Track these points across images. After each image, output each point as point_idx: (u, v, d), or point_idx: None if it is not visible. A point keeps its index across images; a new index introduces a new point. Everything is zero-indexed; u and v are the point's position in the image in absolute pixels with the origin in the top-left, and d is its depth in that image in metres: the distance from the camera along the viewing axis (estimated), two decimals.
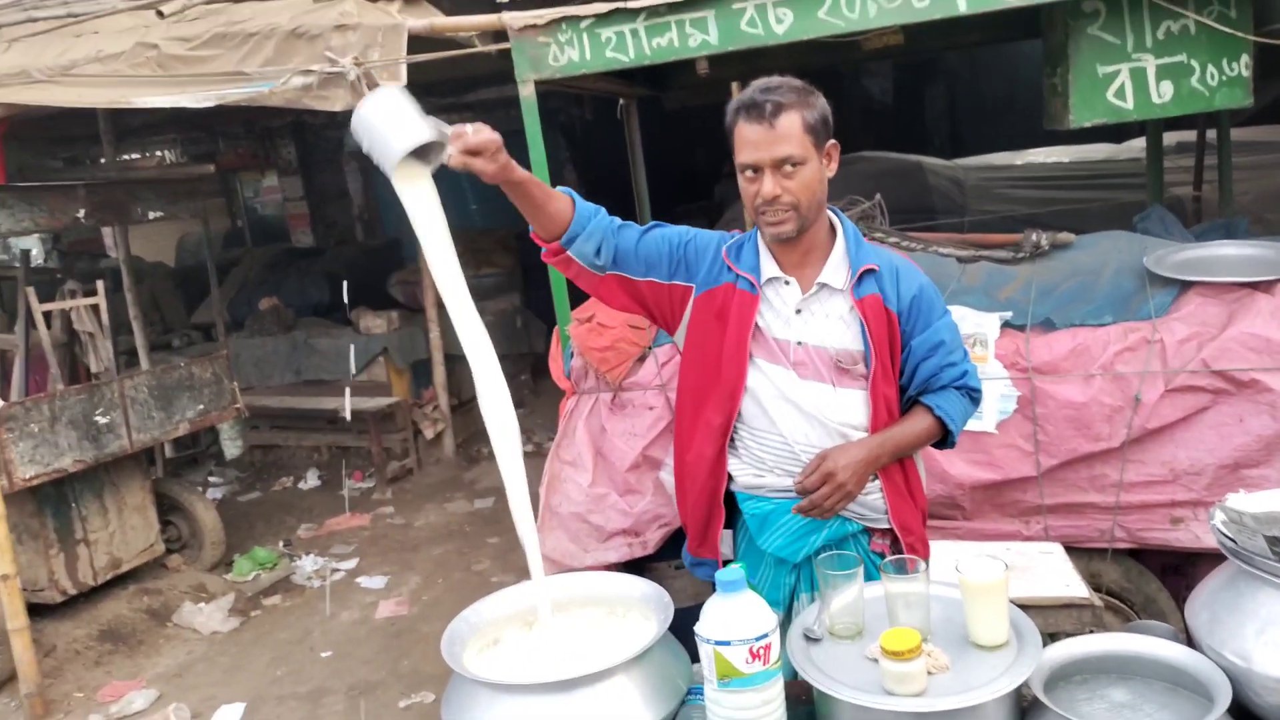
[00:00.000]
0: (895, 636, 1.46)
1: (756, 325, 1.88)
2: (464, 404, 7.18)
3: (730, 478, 1.95)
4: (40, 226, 4.21)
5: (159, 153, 8.20)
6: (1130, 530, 2.64)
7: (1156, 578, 2.71)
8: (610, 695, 1.52)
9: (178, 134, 9.56)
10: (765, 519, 1.92)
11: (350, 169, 11.32)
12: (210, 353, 5.22)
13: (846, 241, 1.88)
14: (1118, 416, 2.56)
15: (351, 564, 5.15)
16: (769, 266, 1.88)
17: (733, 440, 1.94)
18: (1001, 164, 6.06)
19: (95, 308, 4.67)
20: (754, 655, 1.45)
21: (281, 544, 5.50)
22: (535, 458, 6.81)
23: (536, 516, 2.93)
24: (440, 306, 6.75)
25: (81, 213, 4.29)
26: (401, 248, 9.52)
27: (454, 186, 10.46)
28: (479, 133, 1.62)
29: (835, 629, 1.64)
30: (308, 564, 5.16)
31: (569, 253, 1.86)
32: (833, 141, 1.80)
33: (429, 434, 6.84)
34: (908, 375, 1.89)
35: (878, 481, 1.89)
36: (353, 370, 6.68)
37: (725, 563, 2.00)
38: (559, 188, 1.86)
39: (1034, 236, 3.00)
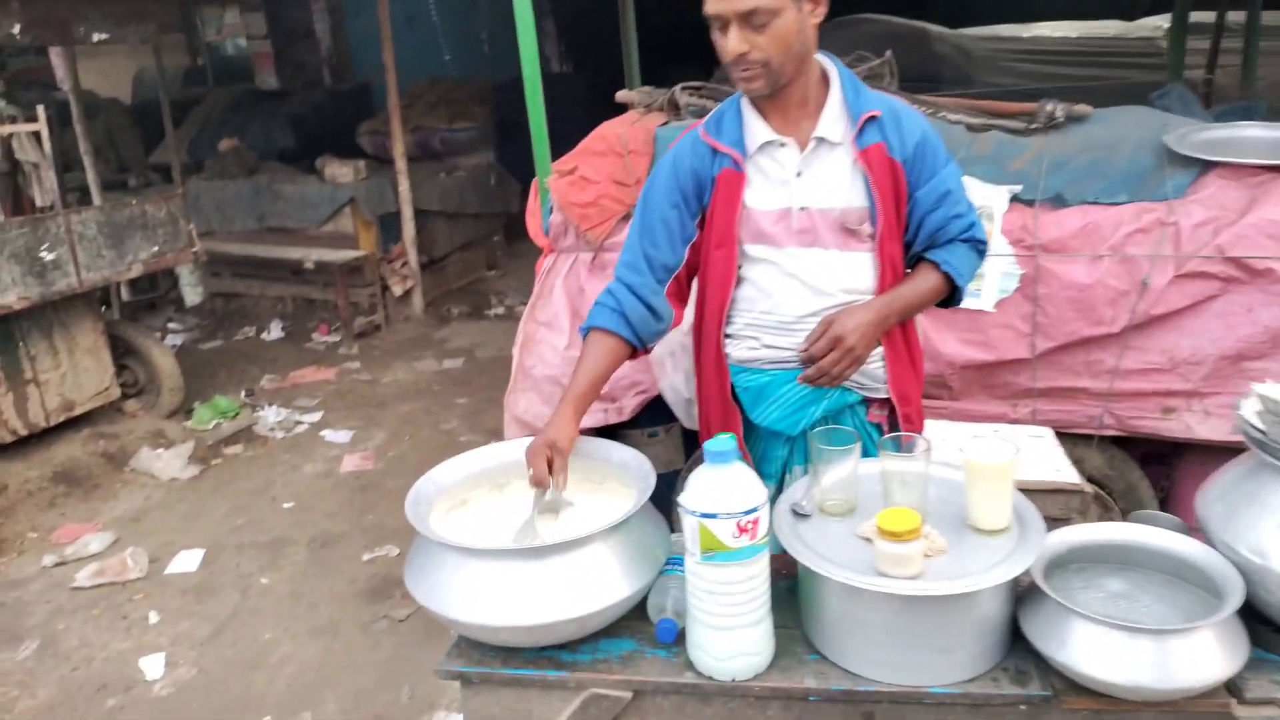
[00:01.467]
0: (893, 516, 1.36)
1: (744, 206, 1.73)
2: (434, 262, 6.96)
3: (727, 355, 1.83)
4: None
5: None
6: (1120, 418, 2.57)
7: (1139, 466, 2.66)
8: (586, 564, 1.43)
9: None
10: (760, 391, 1.81)
11: (318, 7, 10.62)
12: (165, 192, 4.92)
13: (843, 89, 1.69)
14: (1122, 301, 2.45)
15: (316, 417, 5.04)
16: (758, 129, 1.71)
17: (729, 326, 1.82)
18: (1008, 35, 5.75)
19: (38, 136, 4.33)
20: (741, 529, 1.36)
21: (243, 394, 5.37)
22: (508, 320, 6.67)
23: (510, 378, 2.81)
24: (410, 158, 6.46)
25: (16, 28, 3.90)
26: (371, 94, 9.03)
27: (426, 35, 9.91)
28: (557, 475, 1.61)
29: (826, 506, 1.55)
30: (270, 415, 5.04)
31: (651, 346, 1.82)
32: None
33: (397, 291, 6.64)
34: (913, 230, 1.75)
35: (879, 349, 1.77)
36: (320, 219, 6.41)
37: None
38: (590, 331, 1.78)
39: (1049, 106, 2.80)
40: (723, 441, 1.38)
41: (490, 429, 4.69)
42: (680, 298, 1.84)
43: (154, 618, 3.27)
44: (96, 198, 6.04)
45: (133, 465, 4.49)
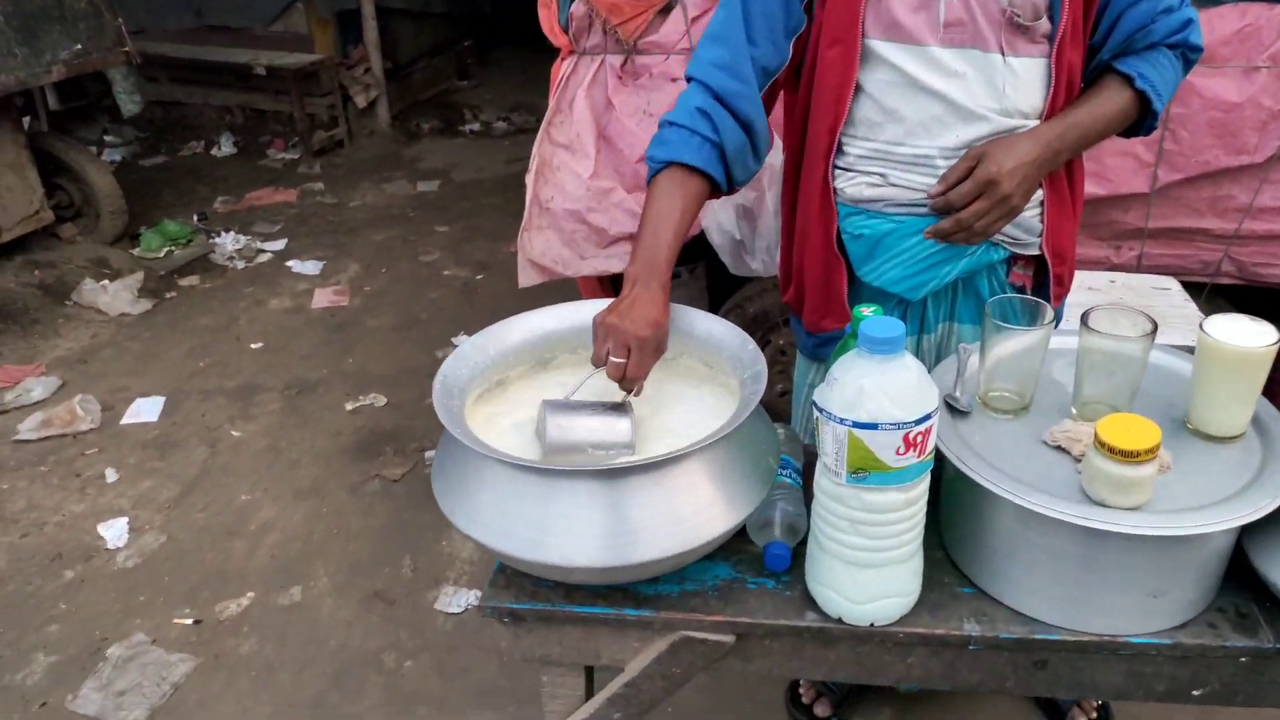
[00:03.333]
0: (1121, 426, 0.99)
1: None
2: (400, 68, 6.23)
3: (836, 192, 1.38)
4: None
5: None
6: (1242, 264, 2.21)
7: None
8: (682, 487, 1.05)
9: None
10: (879, 242, 1.38)
11: None
12: None
13: None
14: (1273, 125, 2.02)
15: (279, 245, 4.53)
16: None
17: (839, 158, 1.37)
18: None
19: None
20: (909, 444, 0.99)
21: (196, 218, 4.81)
22: (484, 139, 6.05)
23: (522, 211, 2.35)
24: None
25: None
26: None
27: None
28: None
29: (991, 399, 1.18)
30: (228, 242, 4.52)
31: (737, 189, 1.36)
32: None
33: (360, 101, 5.94)
34: (1105, 28, 1.29)
35: (1039, 192, 1.35)
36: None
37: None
38: (666, 167, 1.28)
39: None
40: (886, 324, 0.98)
41: (478, 261, 4.24)
42: (769, 110, 1.38)
43: (111, 475, 2.91)
44: None
45: (75, 298, 3.99)
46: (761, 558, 1.18)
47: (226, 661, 2.22)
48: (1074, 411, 1.15)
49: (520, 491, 1.04)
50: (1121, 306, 1.12)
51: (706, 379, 1.29)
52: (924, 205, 1.33)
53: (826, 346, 1.52)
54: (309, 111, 5.68)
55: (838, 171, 1.38)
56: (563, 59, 2.30)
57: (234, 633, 2.30)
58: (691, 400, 1.26)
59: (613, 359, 1.13)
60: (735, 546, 1.20)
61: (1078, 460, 1.07)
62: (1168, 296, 2.04)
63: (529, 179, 2.27)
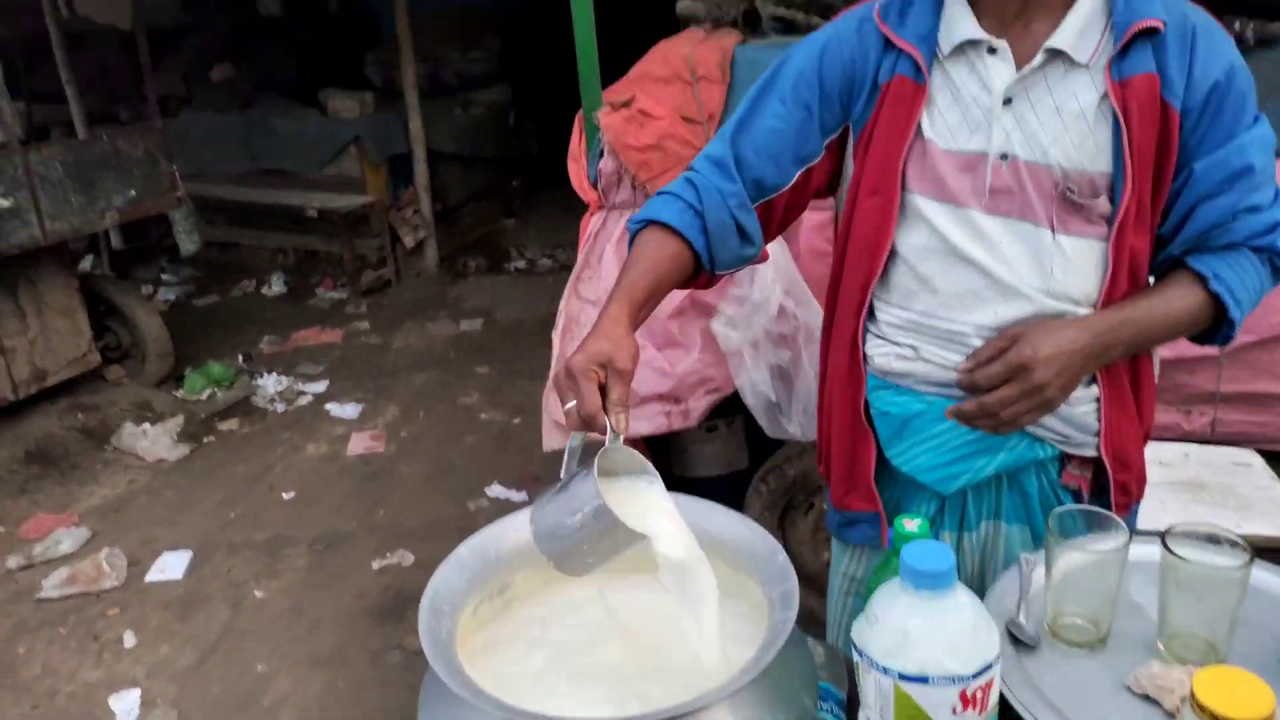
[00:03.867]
0: (1224, 685, 0.82)
1: (919, 134, 1.15)
2: (448, 210, 6.37)
3: (866, 359, 1.26)
4: None
5: None
6: None
7: None
8: None
9: None
10: (907, 423, 1.24)
11: None
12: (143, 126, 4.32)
13: None
14: None
15: (320, 387, 4.53)
16: (962, 24, 1.13)
17: (870, 322, 1.25)
18: None
19: None
20: (967, 701, 0.83)
21: (240, 358, 4.85)
22: (529, 276, 6.10)
23: (550, 366, 2.26)
24: (421, 91, 5.82)
25: None
26: (379, 22, 8.35)
27: None
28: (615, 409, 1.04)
29: (1062, 628, 1.02)
30: (270, 383, 4.54)
31: (721, 273, 1.26)
32: None
33: (409, 242, 6.06)
34: (1176, 218, 1.14)
35: (1094, 388, 1.19)
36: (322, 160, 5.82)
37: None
38: (646, 222, 1.21)
39: (1236, 25, 2.19)
40: (934, 552, 0.84)
41: (515, 404, 4.17)
42: (769, 228, 1.27)
43: (130, 639, 2.80)
44: (82, 132, 5.46)
45: (115, 443, 4.00)
46: None
47: None
48: (1160, 647, 0.98)
49: None
50: (1208, 525, 0.97)
51: (731, 588, 1.14)
52: (954, 387, 1.19)
53: (853, 528, 1.37)
54: (359, 252, 5.81)
55: (869, 336, 1.26)
56: (592, 213, 2.26)
57: None
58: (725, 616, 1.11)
59: (565, 409, 1.01)
60: None
61: (1171, 716, 0.90)
62: (1250, 475, 1.85)
63: (555, 336, 2.20)
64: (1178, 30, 1.08)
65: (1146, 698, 0.93)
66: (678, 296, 2.16)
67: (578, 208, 2.34)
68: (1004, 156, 1.13)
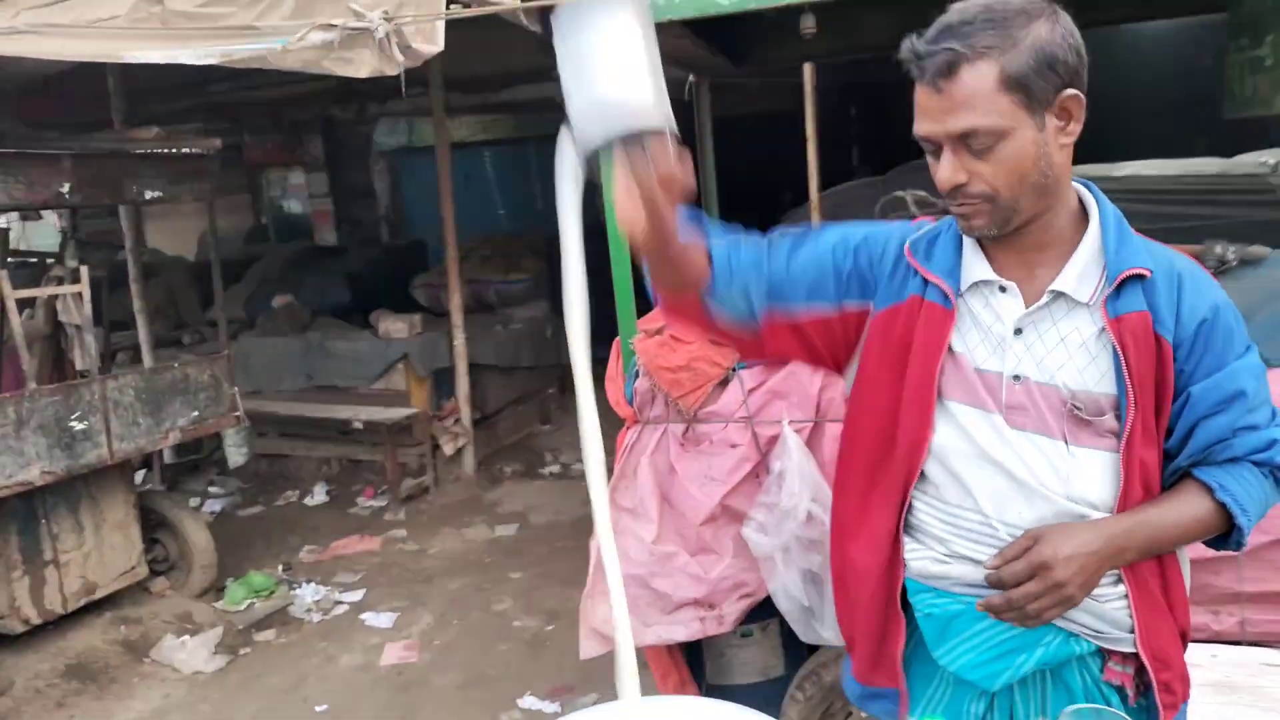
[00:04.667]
0: None
1: (951, 351, 1.30)
2: (487, 418, 6.62)
3: (904, 565, 1.36)
4: (16, 200, 3.65)
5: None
6: None
7: None
8: None
9: (202, 123, 9.10)
10: (949, 624, 1.32)
11: (378, 168, 10.90)
12: (212, 353, 4.67)
13: (1104, 231, 1.27)
14: None
15: (357, 596, 4.57)
16: (976, 267, 1.30)
17: (909, 515, 1.36)
18: (1098, 175, 5.43)
19: (80, 296, 4.13)
20: None
21: (281, 568, 4.94)
22: (563, 479, 6.23)
23: (584, 572, 2.35)
24: (466, 309, 6.23)
25: (66, 187, 3.75)
26: (426, 249, 9.03)
27: (480, 191, 10.02)
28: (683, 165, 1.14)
29: None
30: (308, 593, 4.59)
31: (709, 305, 1.35)
32: (1071, 93, 1.19)
33: (448, 450, 6.26)
34: (1179, 436, 1.27)
35: (1121, 586, 1.28)
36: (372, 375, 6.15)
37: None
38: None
39: (1218, 249, 2.39)
40: None
41: (548, 610, 4.18)
42: (761, 340, 1.38)
43: None
44: (148, 356, 5.86)
45: (154, 656, 4.03)
46: None
47: None
48: None
49: None
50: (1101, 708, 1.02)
51: None
52: (987, 586, 1.27)
53: (875, 701, 1.42)
54: (400, 461, 5.99)
55: (907, 537, 1.35)
56: (628, 428, 2.42)
57: None
58: None
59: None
60: None
61: None
62: (1276, 675, 1.85)
63: (593, 546, 2.29)
64: (1165, 275, 1.25)
65: None
66: (711, 503, 2.27)
67: (610, 415, 2.50)
68: (1016, 378, 1.27)
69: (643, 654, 2.40)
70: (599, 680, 3.27)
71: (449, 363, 6.20)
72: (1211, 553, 2.05)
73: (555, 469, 6.39)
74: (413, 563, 4.96)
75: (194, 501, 5.96)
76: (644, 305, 2.48)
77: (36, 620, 3.88)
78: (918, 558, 1.34)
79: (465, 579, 4.67)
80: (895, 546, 1.35)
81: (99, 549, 4.12)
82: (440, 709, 3.46)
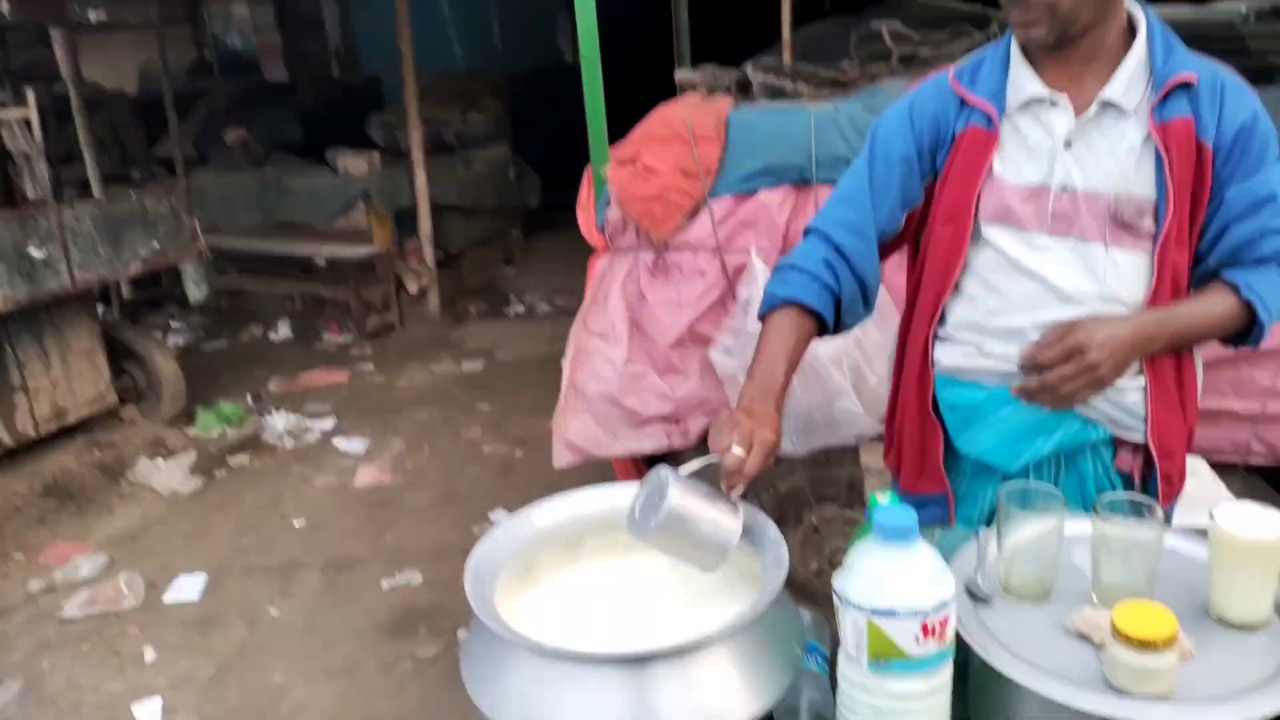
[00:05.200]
0: (1137, 615, 1.01)
1: (991, 173, 1.38)
2: (451, 258, 6.61)
3: (934, 363, 1.48)
4: None
5: None
6: (1271, 445, 2.22)
7: None
8: (703, 677, 1.07)
9: None
10: (973, 411, 1.46)
11: (327, 1, 10.28)
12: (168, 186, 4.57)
13: (1150, 44, 1.33)
14: None
15: (327, 424, 4.70)
16: (1026, 83, 1.36)
17: (940, 326, 1.47)
18: None
19: (28, 123, 3.99)
20: (927, 631, 1.00)
21: (249, 398, 5.02)
22: (528, 320, 6.32)
23: (553, 400, 2.46)
24: (426, 150, 6.11)
25: (4, 6, 3.55)
26: (381, 85, 8.68)
27: (435, 28, 9.55)
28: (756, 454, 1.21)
29: (1013, 585, 1.20)
30: (278, 421, 4.70)
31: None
32: None
33: (412, 289, 6.29)
34: (1210, 238, 1.36)
35: (1141, 379, 1.40)
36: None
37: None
38: (782, 306, 1.39)
39: None
40: (899, 513, 1.03)
41: (516, 437, 4.35)
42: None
43: (150, 654, 2.93)
44: (97, 192, 5.68)
45: (130, 477, 4.15)
46: None
47: None
48: (1094, 598, 1.16)
49: (545, 678, 1.07)
50: (1133, 495, 1.16)
51: (735, 564, 1.32)
52: (1016, 377, 1.39)
53: (923, 510, 1.48)
54: (364, 298, 6.01)
55: (937, 341, 1.47)
56: (599, 256, 2.48)
57: None
58: (718, 588, 1.29)
59: (735, 448, 1.17)
60: None
61: (1100, 648, 1.08)
62: (1196, 479, 2.04)
63: (565, 364, 2.40)
64: (1209, 84, 1.32)
65: (1081, 636, 1.11)
66: (679, 326, 2.37)
67: (574, 257, 2.57)
68: (1064, 188, 1.35)
69: (611, 465, 2.55)
70: None
71: (411, 201, 6.13)
72: None
73: (519, 310, 6.46)
74: (381, 394, 5.07)
75: (157, 335, 5.95)
76: (616, 131, 2.51)
77: (9, 443, 3.95)
78: (949, 355, 1.45)
79: (434, 409, 4.80)
80: (927, 359, 1.46)
81: (67, 376, 4.15)
82: (416, 523, 3.65)
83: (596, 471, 3.39)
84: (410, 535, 3.57)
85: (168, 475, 4.12)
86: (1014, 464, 1.44)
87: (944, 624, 1.01)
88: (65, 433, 4.22)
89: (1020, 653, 1.08)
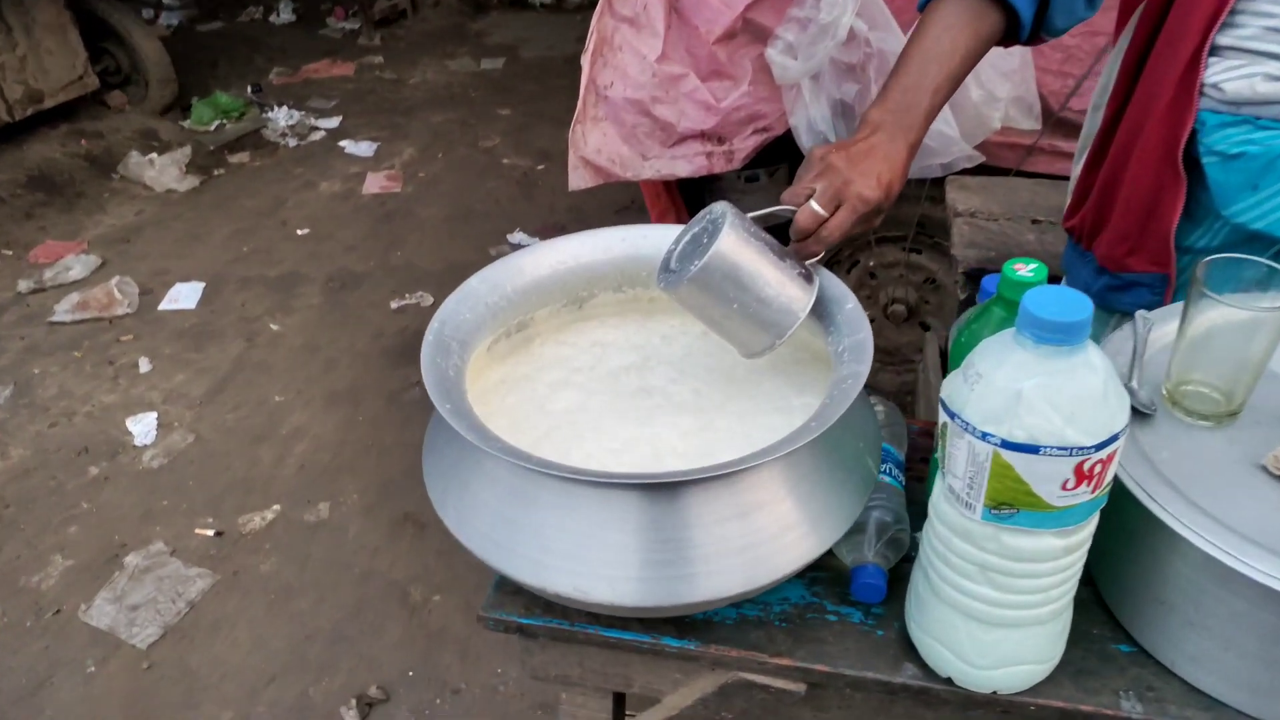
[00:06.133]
0: None
1: None
2: None
3: (1203, 89, 0.96)
4: None
5: None
6: None
7: None
8: (753, 503, 0.77)
9: None
10: (1270, 165, 0.95)
11: None
12: None
13: None
14: None
15: (333, 123, 4.26)
16: None
17: (1220, 35, 0.94)
18: None
19: None
20: (1082, 476, 0.68)
21: (249, 89, 4.55)
22: (558, 13, 5.59)
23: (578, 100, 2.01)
24: None
25: None
26: None
27: None
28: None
29: (1185, 397, 0.86)
30: (280, 117, 4.27)
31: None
32: None
33: None
34: None
35: None
36: None
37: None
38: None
39: None
40: (1066, 299, 0.66)
41: (540, 149, 3.91)
42: None
43: (144, 365, 2.75)
44: None
45: (121, 171, 3.82)
46: (846, 577, 0.90)
47: (245, 580, 2.06)
48: None
49: (530, 496, 0.77)
50: None
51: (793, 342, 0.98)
52: None
53: (1125, 293, 1.11)
54: None
55: (1214, 59, 0.95)
56: None
57: (255, 549, 2.14)
58: (768, 373, 0.96)
59: (814, 204, 0.85)
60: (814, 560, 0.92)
61: None
62: None
63: (585, 60, 1.93)
64: None
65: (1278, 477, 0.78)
66: (730, 14, 1.86)
67: None
68: None
69: (639, 190, 2.16)
70: (593, 221, 3.11)
71: None
72: None
73: (548, 0, 5.72)
74: (391, 92, 4.57)
75: (147, 15, 5.36)
76: None
77: None
78: (1236, 76, 0.94)
79: (449, 113, 4.33)
80: (1190, 80, 0.95)
81: (35, 54, 3.69)
82: (426, 238, 3.34)
83: (629, 192, 3.01)
84: (420, 252, 3.27)
85: (161, 171, 3.78)
86: None
87: (1106, 465, 0.68)
88: (45, 120, 3.84)
89: (1190, 493, 0.77)
